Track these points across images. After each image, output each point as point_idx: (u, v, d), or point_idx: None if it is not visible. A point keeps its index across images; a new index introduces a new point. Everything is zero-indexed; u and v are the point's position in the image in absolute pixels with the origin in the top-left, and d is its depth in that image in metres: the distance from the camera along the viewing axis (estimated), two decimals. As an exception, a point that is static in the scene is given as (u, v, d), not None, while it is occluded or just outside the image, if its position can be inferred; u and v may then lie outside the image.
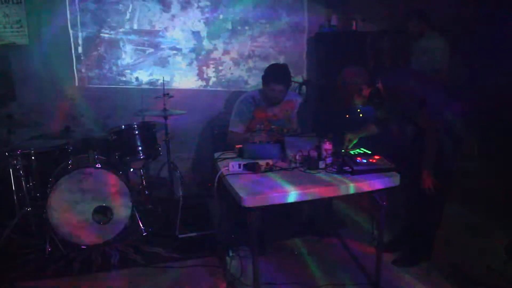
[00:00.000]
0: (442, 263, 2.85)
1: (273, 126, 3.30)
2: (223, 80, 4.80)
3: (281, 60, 4.63)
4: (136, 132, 3.65)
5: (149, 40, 4.56)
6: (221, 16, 4.67)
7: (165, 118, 3.73)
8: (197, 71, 4.72)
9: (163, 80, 3.77)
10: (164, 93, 3.69)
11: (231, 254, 2.98)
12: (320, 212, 3.45)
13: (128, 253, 3.18)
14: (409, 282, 2.69)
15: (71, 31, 4.36)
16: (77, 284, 2.80)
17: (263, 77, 3.29)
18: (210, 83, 4.77)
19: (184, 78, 4.70)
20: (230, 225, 3.18)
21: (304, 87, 4.53)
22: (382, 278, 2.62)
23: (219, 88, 4.80)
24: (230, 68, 4.79)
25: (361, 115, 2.69)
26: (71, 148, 3.47)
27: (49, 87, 4.30)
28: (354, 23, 4.64)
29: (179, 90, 4.45)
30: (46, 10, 4.22)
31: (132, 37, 4.52)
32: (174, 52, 4.64)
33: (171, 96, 3.75)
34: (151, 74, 4.61)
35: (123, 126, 3.68)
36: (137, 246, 3.27)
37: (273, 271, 2.86)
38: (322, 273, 2.83)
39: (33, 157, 3.32)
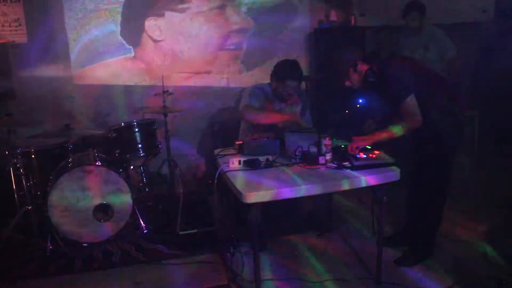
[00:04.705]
0: (443, 256, 2.85)
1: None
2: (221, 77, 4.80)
3: (280, 56, 4.60)
4: (136, 129, 3.65)
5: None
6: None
7: (165, 115, 3.74)
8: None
9: (162, 77, 3.76)
10: (163, 90, 3.70)
11: (232, 250, 2.98)
12: (320, 207, 3.45)
13: (129, 250, 3.18)
14: (410, 276, 2.70)
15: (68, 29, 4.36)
16: (78, 282, 2.80)
17: (276, 74, 3.22)
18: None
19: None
20: (230, 222, 3.18)
21: (303, 82, 4.53)
22: (383, 272, 2.62)
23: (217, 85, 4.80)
24: (229, 65, 4.78)
25: (358, 105, 2.67)
26: (71, 146, 3.47)
27: (48, 85, 4.29)
28: (352, 18, 4.62)
29: (179, 87, 4.45)
30: (44, 8, 4.21)
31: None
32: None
33: (171, 93, 3.75)
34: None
35: (122, 124, 3.68)
36: (138, 244, 3.27)
37: (274, 266, 2.87)
38: (323, 268, 2.83)
39: (33, 156, 3.32)
